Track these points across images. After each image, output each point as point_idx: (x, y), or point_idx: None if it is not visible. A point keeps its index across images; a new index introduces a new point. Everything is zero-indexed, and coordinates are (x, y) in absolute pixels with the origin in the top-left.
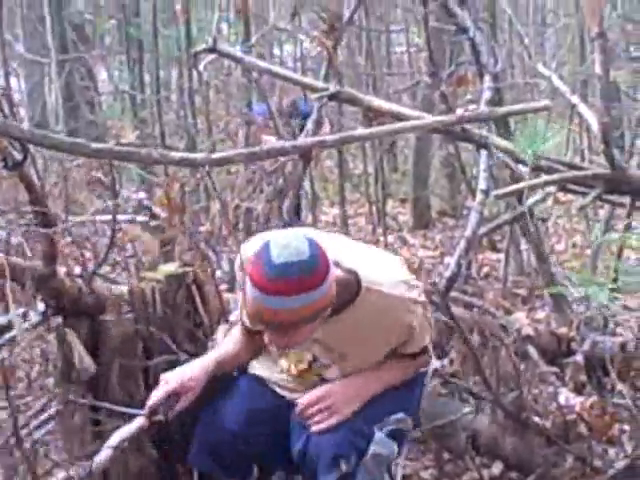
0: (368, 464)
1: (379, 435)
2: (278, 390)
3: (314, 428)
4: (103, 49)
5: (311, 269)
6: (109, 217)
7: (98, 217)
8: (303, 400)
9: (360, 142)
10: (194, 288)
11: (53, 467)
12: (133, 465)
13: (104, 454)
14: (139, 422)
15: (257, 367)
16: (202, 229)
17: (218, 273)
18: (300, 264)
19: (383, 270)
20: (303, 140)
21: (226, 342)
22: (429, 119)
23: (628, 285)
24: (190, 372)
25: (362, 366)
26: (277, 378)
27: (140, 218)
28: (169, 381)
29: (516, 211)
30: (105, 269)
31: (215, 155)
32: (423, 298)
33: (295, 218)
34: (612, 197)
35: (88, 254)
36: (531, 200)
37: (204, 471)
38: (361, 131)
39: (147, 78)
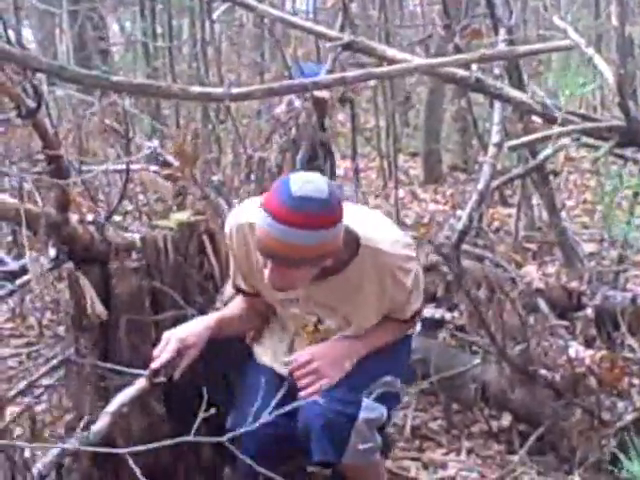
0: (359, 428)
1: (367, 401)
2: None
3: (302, 393)
4: (114, 0)
5: (329, 207)
6: (122, 166)
7: (111, 166)
8: (290, 365)
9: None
10: (206, 238)
11: (63, 414)
12: (136, 424)
13: (102, 421)
14: (140, 385)
15: (263, 355)
16: (214, 179)
17: None
18: (320, 201)
19: (379, 229)
20: (323, 77)
21: (230, 305)
22: (449, 58)
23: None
24: (191, 329)
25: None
26: (282, 362)
27: (153, 167)
28: (170, 340)
29: (529, 165)
30: (117, 218)
31: (234, 90)
32: (416, 257)
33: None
34: (625, 152)
35: (101, 202)
36: (543, 154)
37: None
38: (382, 68)
39: (159, 29)
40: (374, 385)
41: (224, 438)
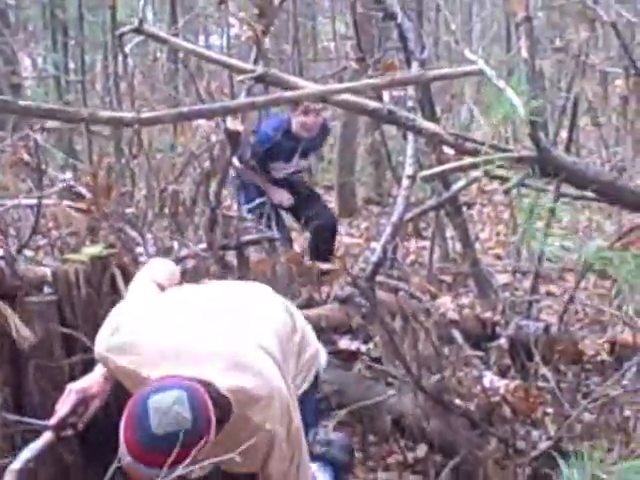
0: None
1: None
2: None
3: None
4: (26, 35)
5: (193, 437)
6: (34, 200)
7: (23, 200)
8: None
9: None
10: (118, 271)
11: None
12: (44, 475)
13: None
14: (46, 438)
15: None
16: (128, 212)
17: (143, 257)
18: (182, 435)
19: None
20: (234, 102)
21: None
22: (361, 82)
23: (552, 271)
24: (93, 379)
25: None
26: None
27: (66, 202)
28: (71, 392)
29: (442, 197)
30: (30, 253)
31: (144, 114)
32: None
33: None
34: (537, 184)
35: (12, 236)
36: (456, 185)
37: None
38: (292, 92)
39: (72, 64)
40: None
41: None
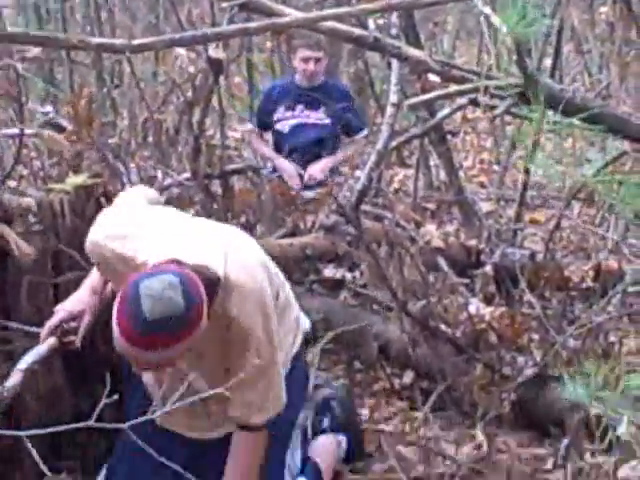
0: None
1: None
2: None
3: None
4: None
5: (187, 321)
6: (15, 131)
7: (4, 130)
8: None
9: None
10: (103, 200)
11: None
12: (43, 385)
13: (14, 378)
14: (50, 343)
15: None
16: (111, 142)
17: (127, 186)
18: (175, 319)
19: (239, 279)
20: (226, 27)
21: None
22: (356, 7)
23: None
24: (78, 296)
25: (216, 367)
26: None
27: (47, 132)
28: (58, 312)
29: (427, 124)
30: (13, 183)
31: (136, 41)
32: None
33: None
34: (522, 112)
35: None
36: (441, 113)
37: None
38: (286, 18)
39: None
40: (289, 454)
41: (125, 425)
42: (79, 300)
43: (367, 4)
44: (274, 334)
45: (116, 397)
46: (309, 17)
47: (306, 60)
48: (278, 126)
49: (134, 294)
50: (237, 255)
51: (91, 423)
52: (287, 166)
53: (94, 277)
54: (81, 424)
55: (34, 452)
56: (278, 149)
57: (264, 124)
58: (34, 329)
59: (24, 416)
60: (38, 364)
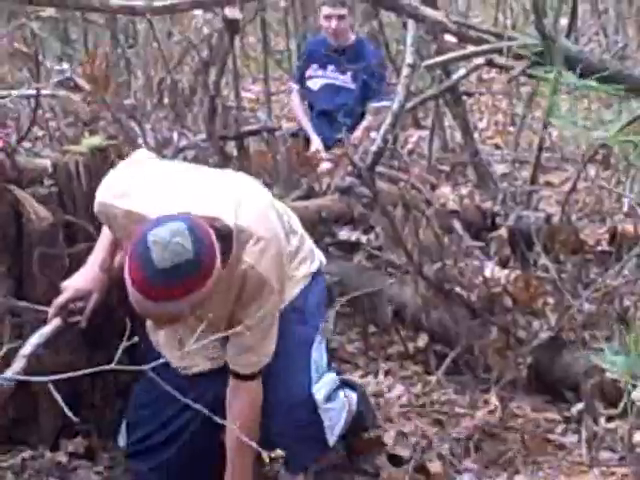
0: (324, 411)
1: (316, 388)
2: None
3: None
4: None
5: (198, 268)
6: (32, 91)
7: (21, 91)
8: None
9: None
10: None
11: None
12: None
13: (18, 364)
14: (55, 323)
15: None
16: (126, 103)
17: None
18: (185, 266)
19: (253, 228)
20: None
21: (106, 231)
22: None
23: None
24: (86, 274)
25: (221, 310)
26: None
27: (63, 92)
28: (66, 289)
29: (442, 85)
30: (27, 144)
31: (157, 3)
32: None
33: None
34: (537, 72)
35: (10, 128)
36: (457, 74)
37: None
38: None
39: None
40: (315, 353)
41: (146, 367)
42: (86, 278)
43: None
44: (284, 284)
45: (136, 339)
46: None
47: (328, 17)
48: (309, 83)
49: (143, 244)
50: (249, 204)
51: (113, 366)
52: (314, 138)
53: (100, 251)
54: (104, 367)
55: (59, 398)
56: (310, 106)
57: (301, 81)
58: (42, 308)
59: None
60: (43, 347)
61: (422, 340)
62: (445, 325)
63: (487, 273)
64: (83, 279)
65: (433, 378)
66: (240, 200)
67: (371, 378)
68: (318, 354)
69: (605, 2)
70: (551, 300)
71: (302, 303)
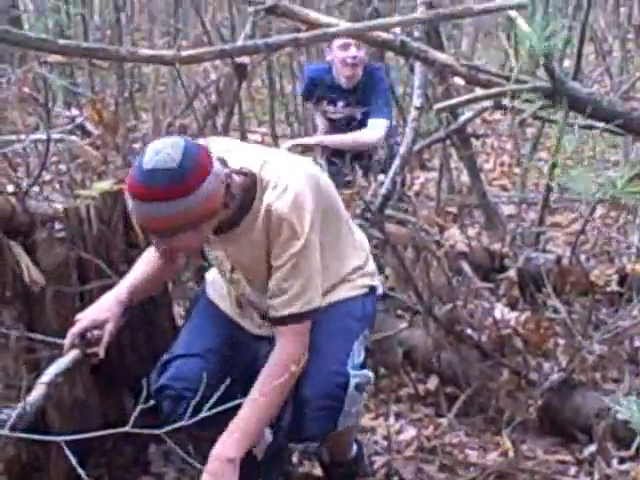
0: (352, 395)
1: (353, 372)
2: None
3: None
4: None
5: (179, 177)
6: (42, 136)
7: (31, 136)
8: None
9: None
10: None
11: None
12: (68, 397)
13: (37, 392)
14: (73, 354)
15: (214, 296)
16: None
17: None
18: (167, 172)
19: (283, 179)
20: (276, 38)
21: (137, 266)
22: (402, 17)
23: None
24: (102, 305)
25: (257, 266)
26: (228, 306)
27: (73, 137)
28: (82, 319)
29: (450, 127)
30: (36, 188)
31: (184, 53)
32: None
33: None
34: (543, 114)
35: (21, 173)
36: (465, 116)
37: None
38: (336, 28)
39: None
40: (356, 345)
41: (162, 430)
42: (102, 308)
43: (416, 14)
44: (310, 230)
45: (152, 403)
46: (358, 26)
47: (346, 46)
48: (322, 115)
49: (142, 151)
50: (278, 158)
51: (127, 429)
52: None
53: (120, 288)
54: (118, 430)
55: (71, 457)
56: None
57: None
58: (58, 340)
59: (51, 425)
60: (61, 377)
61: (433, 382)
62: (455, 367)
63: (497, 314)
64: (98, 309)
65: (444, 420)
66: (271, 157)
67: (381, 420)
68: (358, 350)
69: (608, 42)
70: (561, 341)
71: (356, 305)
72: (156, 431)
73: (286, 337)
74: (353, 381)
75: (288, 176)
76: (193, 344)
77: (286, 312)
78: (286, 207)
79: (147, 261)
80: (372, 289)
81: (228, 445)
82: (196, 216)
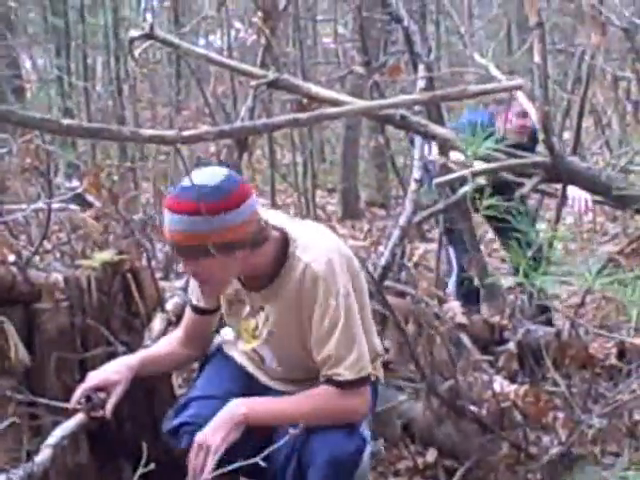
0: (364, 462)
1: (368, 434)
2: (251, 372)
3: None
4: (28, 38)
5: (211, 196)
6: (43, 205)
7: (32, 206)
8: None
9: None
10: (130, 276)
11: None
12: (71, 461)
13: (44, 454)
14: (78, 418)
15: (232, 350)
16: (136, 217)
17: (152, 262)
18: (201, 188)
19: (316, 243)
20: (275, 119)
21: (159, 343)
22: (398, 98)
23: (556, 275)
24: (112, 367)
25: (282, 352)
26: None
27: (73, 206)
28: (90, 378)
29: (449, 200)
30: (39, 258)
31: (185, 132)
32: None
33: None
34: (542, 186)
35: (22, 242)
36: (464, 189)
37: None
38: (334, 109)
39: (73, 67)
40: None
41: None
42: (113, 370)
43: (415, 95)
44: (344, 290)
45: (152, 466)
46: (361, 106)
47: (524, 115)
48: None
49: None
50: (305, 223)
51: None
52: None
53: (133, 356)
54: None
55: None
56: None
57: None
58: (62, 404)
59: None
60: (67, 439)
61: (431, 455)
62: (454, 440)
63: (496, 387)
64: (110, 370)
65: None
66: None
67: None
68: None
69: (607, 114)
70: (561, 415)
71: None
72: None
73: (321, 391)
74: (368, 448)
75: (319, 239)
76: (211, 387)
77: (333, 375)
78: (321, 269)
79: (169, 341)
80: (377, 378)
81: (249, 402)
82: (220, 240)
